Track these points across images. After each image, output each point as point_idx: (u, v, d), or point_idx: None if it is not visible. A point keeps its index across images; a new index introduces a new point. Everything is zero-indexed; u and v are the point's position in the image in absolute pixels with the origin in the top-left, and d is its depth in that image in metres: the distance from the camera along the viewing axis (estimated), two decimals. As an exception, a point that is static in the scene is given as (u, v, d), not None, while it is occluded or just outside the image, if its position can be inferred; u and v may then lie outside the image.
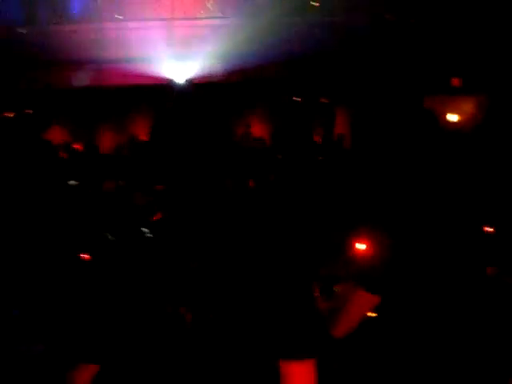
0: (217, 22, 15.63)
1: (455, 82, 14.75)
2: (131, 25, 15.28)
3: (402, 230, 2.22)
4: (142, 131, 17.23)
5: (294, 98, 17.92)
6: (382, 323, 2.30)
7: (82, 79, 15.94)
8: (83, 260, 4.87)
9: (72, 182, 6.76)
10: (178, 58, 15.76)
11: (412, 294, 2.19)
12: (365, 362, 2.55)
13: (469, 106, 13.77)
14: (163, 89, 16.58)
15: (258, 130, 17.95)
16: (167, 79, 16.47)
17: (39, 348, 3.83)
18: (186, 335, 1.75)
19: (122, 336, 1.86)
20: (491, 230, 2.18)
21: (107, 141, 16.13)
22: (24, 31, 14.74)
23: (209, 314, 1.74)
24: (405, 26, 13.92)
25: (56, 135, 16.13)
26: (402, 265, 2.16)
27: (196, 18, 15.95)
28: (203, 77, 16.17)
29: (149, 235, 1.80)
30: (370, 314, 2.29)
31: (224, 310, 1.74)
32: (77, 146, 13.68)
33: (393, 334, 2.30)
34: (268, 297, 1.73)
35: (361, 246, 4.14)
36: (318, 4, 15.00)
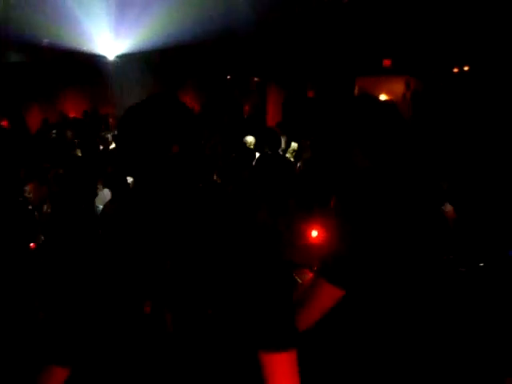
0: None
1: (386, 62, 14.92)
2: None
3: (358, 215, 2.16)
4: (71, 108, 16.90)
5: (227, 77, 17.88)
6: (344, 317, 2.24)
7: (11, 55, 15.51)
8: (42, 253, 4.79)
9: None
10: (110, 32, 15.48)
11: (377, 286, 2.13)
12: (326, 357, 2.51)
13: (398, 86, 13.99)
14: (93, 64, 16.33)
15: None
16: (98, 54, 16.19)
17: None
18: (166, 334, 1.71)
19: (96, 337, 1.82)
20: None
21: (35, 118, 15.71)
22: None
23: (189, 311, 1.69)
24: (338, 4, 13.98)
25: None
26: (366, 256, 2.09)
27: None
28: (134, 52, 15.95)
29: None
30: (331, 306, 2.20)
31: (204, 305, 1.69)
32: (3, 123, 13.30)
33: (356, 328, 2.24)
34: (247, 287, 1.70)
35: (314, 233, 4.14)
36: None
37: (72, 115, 15.48)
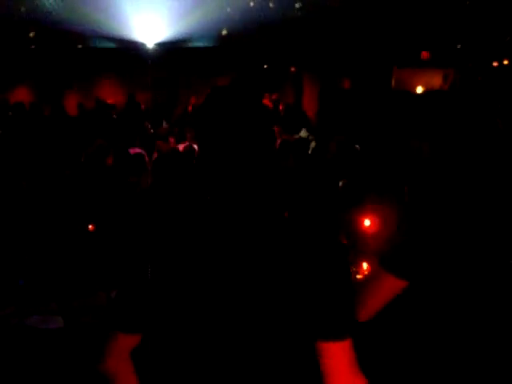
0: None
1: (424, 55, 14.79)
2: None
3: (427, 208, 2.15)
4: (107, 94, 17.04)
5: (264, 66, 17.88)
6: (406, 309, 2.22)
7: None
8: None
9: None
10: (146, 20, 15.56)
11: (441, 281, 2.12)
12: (385, 348, 2.50)
13: (436, 79, 13.85)
14: (130, 51, 16.44)
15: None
16: (135, 42, 16.28)
17: (57, 322, 3.82)
18: (224, 312, 1.72)
19: (162, 303, 1.79)
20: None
21: (72, 104, 15.90)
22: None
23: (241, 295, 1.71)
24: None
25: (21, 96, 15.93)
26: (430, 248, 2.08)
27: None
28: (172, 41, 16.01)
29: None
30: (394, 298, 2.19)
31: (258, 291, 1.70)
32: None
33: (416, 322, 2.23)
34: (304, 276, 1.70)
35: (367, 223, 4.20)
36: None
37: (110, 101, 15.61)
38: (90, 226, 4.85)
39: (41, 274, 4.31)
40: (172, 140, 9.36)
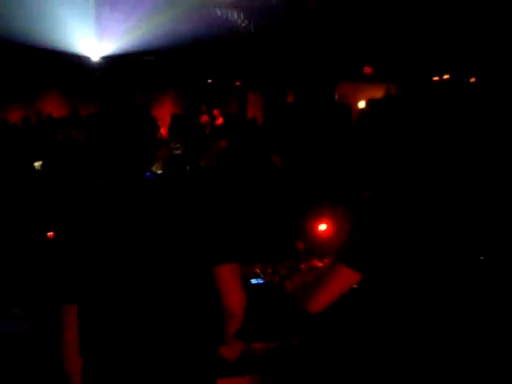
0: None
1: (367, 70, 15.01)
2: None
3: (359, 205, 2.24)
4: (51, 108, 16.84)
5: (208, 80, 17.91)
6: (361, 301, 2.28)
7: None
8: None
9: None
10: (93, 34, 15.46)
11: (395, 272, 2.18)
12: (341, 340, 2.56)
13: (379, 93, 14.08)
14: (76, 64, 16.29)
15: (169, 109, 17.83)
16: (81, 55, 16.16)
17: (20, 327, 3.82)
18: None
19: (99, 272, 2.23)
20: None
21: (15, 117, 15.66)
22: None
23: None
24: (321, 12, 14.04)
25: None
26: (383, 241, 2.15)
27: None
28: (118, 54, 15.94)
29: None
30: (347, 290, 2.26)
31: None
32: None
33: (371, 312, 2.28)
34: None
35: (322, 227, 4.27)
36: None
37: (54, 115, 15.44)
38: (50, 233, 4.95)
39: (4, 278, 4.35)
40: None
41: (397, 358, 2.23)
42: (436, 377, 2.21)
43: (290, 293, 2.94)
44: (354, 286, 2.24)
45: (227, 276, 2.33)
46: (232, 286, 2.36)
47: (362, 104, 13.53)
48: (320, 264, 3.73)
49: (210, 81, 18.02)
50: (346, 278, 2.22)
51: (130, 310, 2.23)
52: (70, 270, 2.30)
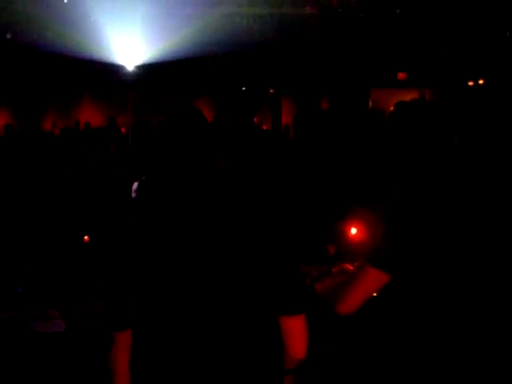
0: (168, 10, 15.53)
1: (401, 75, 14.98)
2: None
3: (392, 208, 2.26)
4: (88, 116, 17.04)
5: (241, 88, 17.98)
6: (390, 303, 2.30)
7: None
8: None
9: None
10: (128, 42, 15.63)
11: (423, 274, 2.20)
12: (370, 341, 2.57)
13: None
14: (112, 73, 16.48)
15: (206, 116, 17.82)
16: (116, 64, 16.33)
17: (59, 327, 3.91)
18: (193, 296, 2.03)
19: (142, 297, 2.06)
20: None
21: (49, 124, 15.88)
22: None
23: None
24: (353, 19, 14.06)
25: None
26: (412, 243, 2.18)
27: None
28: (153, 62, 16.08)
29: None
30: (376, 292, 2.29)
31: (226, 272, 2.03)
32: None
33: (400, 314, 2.29)
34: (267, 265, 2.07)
35: (353, 231, 4.31)
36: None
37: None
38: (86, 237, 5.06)
39: (40, 280, 4.43)
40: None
41: (426, 359, 2.25)
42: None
43: (320, 295, 2.96)
44: (384, 288, 2.26)
45: (297, 329, 2.12)
46: (299, 337, 2.15)
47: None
48: (351, 268, 3.75)
49: (244, 88, 18.08)
50: (374, 279, 2.24)
51: (191, 342, 2.04)
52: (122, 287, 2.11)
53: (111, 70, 16.29)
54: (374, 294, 2.31)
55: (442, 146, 2.31)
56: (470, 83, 14.50)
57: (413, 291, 2.23)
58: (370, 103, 14.64)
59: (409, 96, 14.06)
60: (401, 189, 2.33)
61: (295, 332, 2.11)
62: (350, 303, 2.32)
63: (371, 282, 2.26)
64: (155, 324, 2.06)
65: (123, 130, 15.49)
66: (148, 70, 16.34)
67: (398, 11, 13.92)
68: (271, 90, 18.29)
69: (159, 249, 2.03)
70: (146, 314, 2.06)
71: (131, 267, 2.06)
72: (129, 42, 15.58)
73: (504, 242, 2.25)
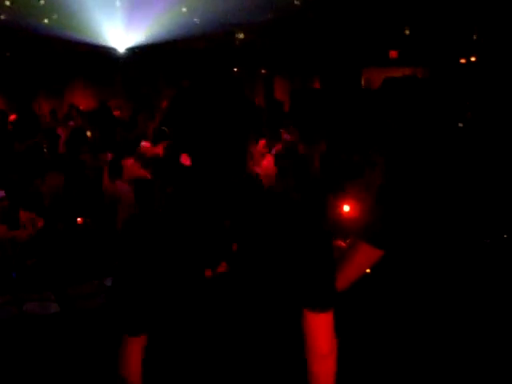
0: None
1: (393, 53, 14.93)
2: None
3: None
4: (79, 100, 16.97)
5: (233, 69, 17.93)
6: (382, 278, 2.31)
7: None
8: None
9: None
10: (120, 25, 15.55)
11: (416, 249, 2.21)
12: (363, 317, 2.59)
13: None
14: (103, 56, 16.42)
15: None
16: (108, 46, 16.26)
17: (53, 308, 3.93)
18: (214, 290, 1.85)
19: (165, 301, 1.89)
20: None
21: (42, 109, 15.79)
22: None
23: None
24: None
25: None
26: (405, 220, 2.19)
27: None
28: (145, 45, 16.02)
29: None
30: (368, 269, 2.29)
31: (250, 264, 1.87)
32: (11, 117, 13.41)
33: (393, 290, 2.30)
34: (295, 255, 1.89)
35: (346, 208, 4.34)
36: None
37: (81, 107, 15.55)
38: (79, 219, 5.07)
39: (34, 264, 4.46)
40: (147, 144, 9.35)
41: (420, 335, 2.27)
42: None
43: None
44: (376, 264, 2.28)
45: (322, 327, 2.00)
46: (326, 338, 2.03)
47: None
48: (343, 244, 3.79)
49: (235, 69, 18.03)
50: (367, 255, 2.26)
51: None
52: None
53: (102, 53, 16.21)
54: (368, 271, 2.33)
55: (434, 121, 2.31)
56: (462, 61, 14.47)
57: (405, 266, 2.25)
58: (363, 82, 14.61)
59: (401, 74, 14.07)
60: (391, 164, 2.34)
61: (321, 330, 1.99)
62: (344, 279, 2.30)
63: (364, 258, 2.27)
64: (173, 322, 1.92)
65: (116, 112, 15.41)
66: (139, 53, 16.27)
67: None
68: (263, 71, 18.25)
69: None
70: (163, 315, 1.93)
71: (152, 268, 1.87)
72: (119, 25, 15.49)
73: (500, 219, 2.26)
